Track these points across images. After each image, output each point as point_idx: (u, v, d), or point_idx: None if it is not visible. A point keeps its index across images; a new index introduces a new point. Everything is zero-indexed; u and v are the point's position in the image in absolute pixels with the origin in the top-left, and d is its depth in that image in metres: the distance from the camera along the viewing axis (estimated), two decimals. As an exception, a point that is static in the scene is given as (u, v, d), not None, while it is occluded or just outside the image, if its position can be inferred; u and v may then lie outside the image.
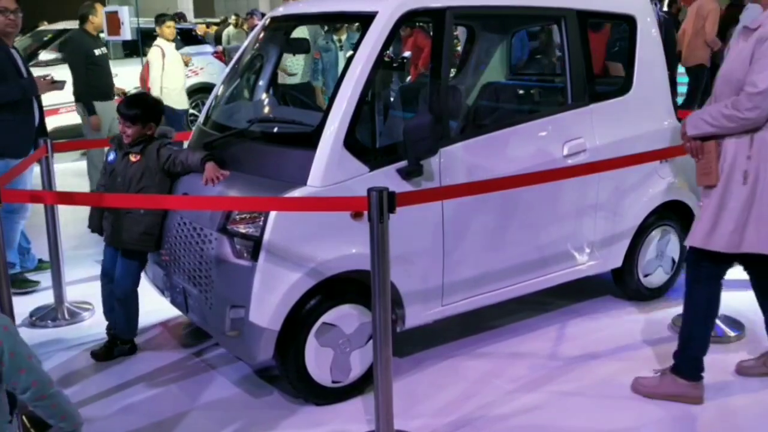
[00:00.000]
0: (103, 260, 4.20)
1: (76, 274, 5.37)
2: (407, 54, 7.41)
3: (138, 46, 11.22)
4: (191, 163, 3.79)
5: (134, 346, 4.20)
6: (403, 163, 3.52)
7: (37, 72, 5.54)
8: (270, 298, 3.32)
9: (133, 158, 3.94)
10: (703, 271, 3.48)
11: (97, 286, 4.46)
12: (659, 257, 4.64)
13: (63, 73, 6.82)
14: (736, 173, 3.29)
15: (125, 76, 11.11)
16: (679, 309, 3.73)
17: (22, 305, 4.68)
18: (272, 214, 3.31)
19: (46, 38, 11.35)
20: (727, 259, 3.43)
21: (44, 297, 4.91)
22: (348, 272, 3.49)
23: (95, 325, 4.57)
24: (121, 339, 4.15)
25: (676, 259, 4.72)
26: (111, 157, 4.10)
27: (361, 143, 3.52)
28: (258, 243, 3.31)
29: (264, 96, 4.61)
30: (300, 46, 4.99)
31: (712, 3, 9.40)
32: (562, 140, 4.07)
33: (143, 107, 3.97)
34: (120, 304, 4.08)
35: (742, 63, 3.25)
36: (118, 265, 4.05)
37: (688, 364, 3.52)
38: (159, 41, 8.45)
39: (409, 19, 3.73)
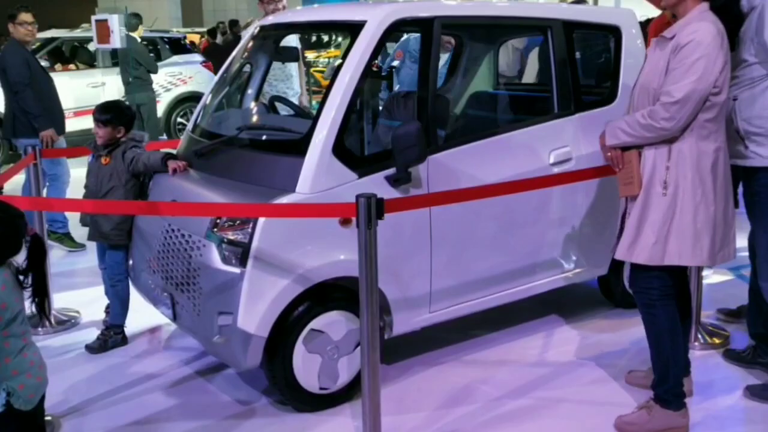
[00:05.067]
0: (97, 253, 4.51)
1: (63, 282, 5.36)
2: (396, 63, 7.43)
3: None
4: (152, 162, 4.12)
5: (125, 336, 4.42)
6: (391, 171, 3.55)
7: None
8: (258, 304, 3.33)
9: (103, 161, 4.25)
10: (654, 293, 3.37)
11: (84, 294, 4.50)
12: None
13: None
14: (655, 184, 3.24)
15: (113, 84, 11.10)
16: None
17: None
18: (261, 220, 3.32)
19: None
20: (674, 275, 3.36)
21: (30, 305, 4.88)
22: (336, 279, 3.50)
23: (83, 333, 4.57)
24: (114, 326, 4.37)
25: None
26: (90, 159, 4.42)
27: (349, 150, 3.53)
28: (246, 249, 3.32)
29: (253, 103, 4.63)
30: (289, 55, 5.02)
31: None
32: (549, 149, 4.10)
33: (114, 112, 4.29)
34: (112, 290, 4.36)
35: (659, 73, 3.23)
36: (106, 257, 4.36)
37: (670, 394, 3.38)
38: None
39: (397, 28, 3.76)
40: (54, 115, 6.26)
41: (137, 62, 9.27)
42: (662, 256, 3.25)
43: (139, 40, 9.65)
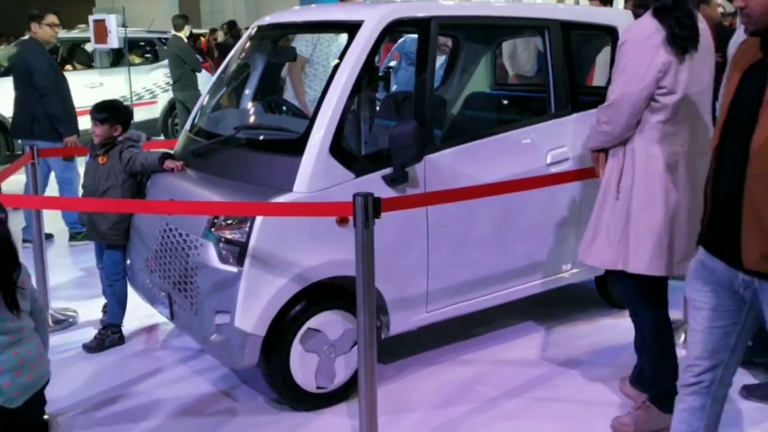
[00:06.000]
0: (95, 253, 4.52)
1: (61, 281, 5.37)
2: (393, 63, 7.45)
3: (124, 55, 11.20)
4: (150, 162, 4.11)
5: (122, 336, 4.41)
6: (388, 170, 3.55)
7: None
8: (255, 303, 3.33)
9: (101, 160, 4.25)
10: (634, 299, 3.33)
11: (81, 293, 4.50)
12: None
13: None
14: (611, 187, 3.22)
15: (111, 85, 11.10)
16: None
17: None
18: (258, 219, 3.33)
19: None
20: (652, 281, 3.24)
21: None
22: (333, 278, 3.51)
23: (80, 332, 4.57)
24: (111, 326, 4.37)
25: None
26: (88, 158, 4.43)
27: (346, 150, 3.54)
28: (244, 248, 3.33)
29: (250, 103, 4.63)
30: (287, 55, 5.02)
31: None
32: (546, 149, 4.11)
33: (111, 111, 4.31)
34: (110, 289, 4.36)
35: None
36: (103, 256, 4.36)
37: (662, 396, 3.32)
38: None
39: (394, 28, 3.77)
40: (72, 119, 6.22)
41: (183, 61, 9.52)
42: (614, 260, 3.22)
43: (185, 39, 9.96)
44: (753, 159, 2.21)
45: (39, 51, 6.12)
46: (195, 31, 19.08)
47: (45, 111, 6.03)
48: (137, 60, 12.19)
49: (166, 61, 12.02)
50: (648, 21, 3.08)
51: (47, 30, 6.14)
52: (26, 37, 6.63)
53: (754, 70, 2.30)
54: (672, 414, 3.31)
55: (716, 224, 2.41)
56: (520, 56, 6.44)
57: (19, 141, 6.70)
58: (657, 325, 3.32)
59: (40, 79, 6.00)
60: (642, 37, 3.05)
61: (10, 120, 9.18)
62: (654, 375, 3.37)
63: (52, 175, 6.39)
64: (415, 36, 3.80)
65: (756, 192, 2.20)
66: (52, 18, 6.14)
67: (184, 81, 9.71)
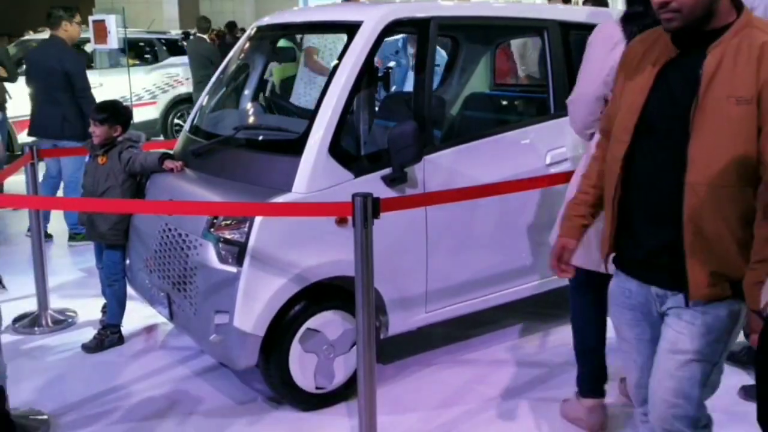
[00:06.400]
0: (95, 253, 4.53)
1: (60, 281, 5.37)
2: (392, 63, 7.46)
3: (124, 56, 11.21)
4: (149, 162, 4.12)
5: (122, 336, 4.41)
6: (387, 170, 3.56)
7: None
8: (254, 303, 3.34)
9: (100, 160, 4.26)
10: (569, 284, 3.39)
11: (81, 294, 4.50)
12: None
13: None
14: (577, 180, 3.22)
15: (111, 86, 11.10)
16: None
17: (4, 311, 4.65)
18: (257, 219, 3.33)
19: (32, 47, 11.30)
20: (590, 273, 3.23)
21: (28, 304, 4.88)
22: (332, 278, 3.51)
23: (80, 332, 4.57)
24: (111, 326, 4.37)
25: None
26: (87, 159, 4.44)
27: (346, 150, 3.55)
28: (243, 248, 3.33)
29: (250, 103, 4.64)
30: (286, 55, 5.03)
31: None
32: (545, 149, 4.11)
33: (111, 111, 4.31)
34: (109, 290, 4.36)
35: None
36: (103, 256, 4.35)
37: (585, 379, 3.39)
38: None
39: (394, 28, 3.77)
40: None
41: (209, 62, 9.71)
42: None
43: (209, 41, 10.16)
44: (693, 166, 2.05)
45: (71, 51, 6.10)
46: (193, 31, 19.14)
47: (83, 112, 5.97)
48: (134, 61, 12.16)
49: (166, 62, 12.10)
50: (611, 25, 3.13)
51: (76, 28, 6.14)
52: (45, 35, 6.60)
53: (670, 68, 2.15)
54: (587, 398, 3.39)
55: (631, 243, 2.28)
56: (530, 57, 6.42)
57: (27, 139, 6.62)
58: (581, 316, 3.40)
59: (80, 80, 5.98)
60: (600, 41, 3.12)
61: (11, 121, 9.16)
62: (581, 360, 3.45)
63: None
64: (393, 39, 3.80)
65: (698, 202, 2.05)
66: (79, 16, 6.15)
67: (207, 81, 9.88)
